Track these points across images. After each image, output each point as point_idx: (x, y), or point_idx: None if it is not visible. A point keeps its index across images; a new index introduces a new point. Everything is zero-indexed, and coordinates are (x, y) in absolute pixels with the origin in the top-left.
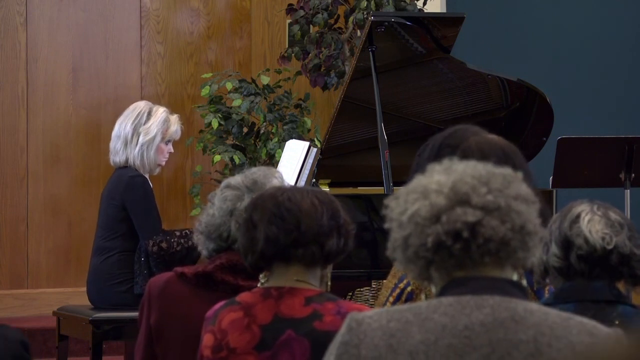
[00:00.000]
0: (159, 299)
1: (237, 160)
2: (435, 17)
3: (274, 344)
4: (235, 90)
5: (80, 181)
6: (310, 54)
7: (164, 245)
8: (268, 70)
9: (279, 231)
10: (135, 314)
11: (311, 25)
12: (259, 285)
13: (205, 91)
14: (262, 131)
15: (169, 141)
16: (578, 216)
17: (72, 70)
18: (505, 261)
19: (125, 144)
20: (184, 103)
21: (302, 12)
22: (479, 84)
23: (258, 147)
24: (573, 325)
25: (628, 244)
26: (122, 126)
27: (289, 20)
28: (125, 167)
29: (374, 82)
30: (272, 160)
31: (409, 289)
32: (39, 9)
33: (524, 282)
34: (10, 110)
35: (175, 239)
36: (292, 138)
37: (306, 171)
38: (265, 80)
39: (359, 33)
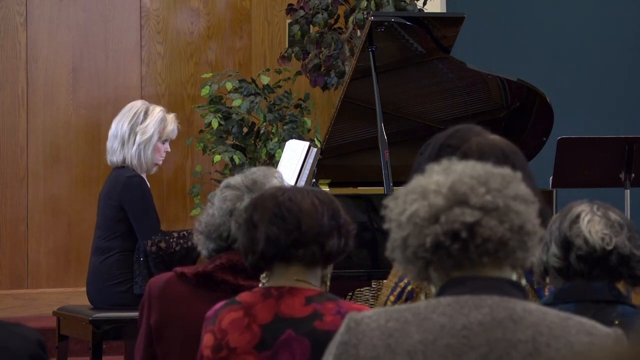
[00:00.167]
0: (159, 299)
1: (237, 160)
2: (435, 17)
3: (274, 343)
4: (235, 90)
5: (80, 181)
6: (310, 54)
7: (162, 245)
8: (268, 70)
9: (280, 231)
10: (135, 314)
11: (311, 25)
12: (260, 285)
13: (205, 91)
14: (262, 131)
15: (165, 140)
16: (578, 216)
17: (72, 70)
18: (504, 261)
19: (123, 144)
20: (184, 103)
21: (302, 12)
22: (479, 84)
23: (258, 147)
24: (572, 325)
25: (628, 244)
26: (119, 126)
27: (289, 20)
28: (123, 167)
29: (374, 82)
30: (272, 160)
31: (409, 288)
32: (39, 9)
33: (523, 282)
34: (10, 110)
35: (174, 239)
36: (292, 138)
37: (306, 171)
38: (265, 80)
39: (359, 33)
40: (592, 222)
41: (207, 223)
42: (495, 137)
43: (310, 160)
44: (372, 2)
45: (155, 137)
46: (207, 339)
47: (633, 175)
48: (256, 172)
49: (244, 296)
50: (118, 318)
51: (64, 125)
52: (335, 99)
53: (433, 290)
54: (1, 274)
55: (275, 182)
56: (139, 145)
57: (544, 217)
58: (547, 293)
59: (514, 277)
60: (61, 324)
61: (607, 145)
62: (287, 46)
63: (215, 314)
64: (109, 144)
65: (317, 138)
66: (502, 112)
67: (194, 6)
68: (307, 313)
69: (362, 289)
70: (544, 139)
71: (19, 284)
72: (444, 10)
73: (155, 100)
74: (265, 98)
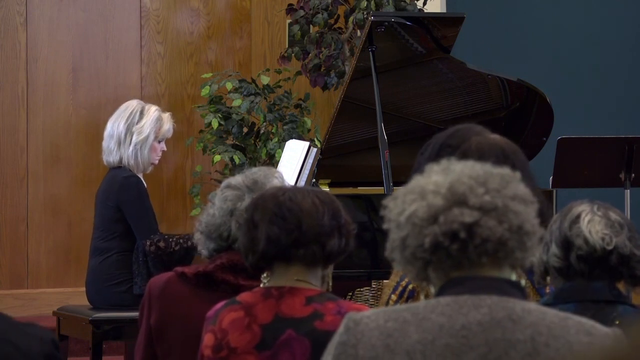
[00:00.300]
0: (159, 299)
1: (237, 160)
2: (435, 17)
3: (275, 343)
4: (235, 90)
5: (80, 181)
6: (310, 54)
7: (161, 244)
8: (268, 70)
9: (281, 231)
10: (135, 314)
11: (311, 25)
12: (261, 285)
13: (205, 91)
14: (262, 131)
15: (162, 140)
16: (578, 216)
17: (72, 70)
18: (503, 261)
19: (119, 144)
20: (184, 103)
21: (302, 12)
22: (479, 84)
23: (258, 147)
24: (571, 324)
25: (628, 244)
26: (115, 126)
27: (289, 20)
28: (119, 167)
29: (374, 82)
30: (272, 160)
31: (410, 287)
32: (39, 9)
33: (523, 282)
34: (10, 110)
35: (174, 240)
36: (292, 138)
37: (306, 171)
38: (265, 80)
39: (359, 33)
40: (592, 222)
41: (207, 223)
42: (495, 137)
43: (310, 160)
44: (372, 2)
45: (152, 137)
46: (208, 339)
47: (633, 175)
48: (257, 172)
49: (244, 296)
50: (118, 318)
51: (64, 125)
52: (335, 99)
53: (432, 290)
54: (1, 274)
55: (275, 182)
56: (135, 145)
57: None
58: (547, 291)
59: (513, 277)
60: (61, 324)
61: (607, 145)
62: (287, 46)
63: (215, 314)
64: (104, 144)
65: (317, 138)
66: (502, 112)
67: (194, 6)
68: (308, 313)
69: (362, 289)
70: (544, 139)
71: (19, 284)
72: (444, 10)
73: (155, 100)
74: (265, 98)
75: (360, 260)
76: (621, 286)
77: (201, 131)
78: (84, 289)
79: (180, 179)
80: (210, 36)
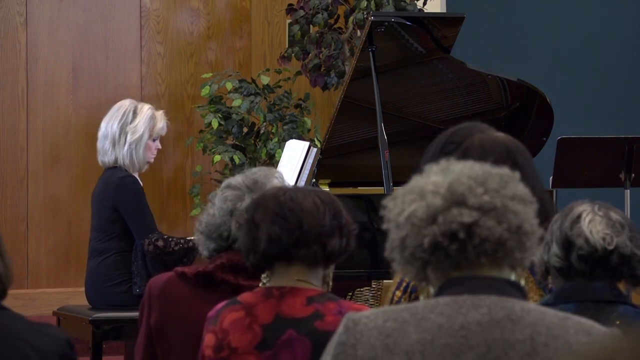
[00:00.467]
0: (160, 299)
1: (237, 160)
2: (435, 17)
3: (275, 343)
4: (235, 90)
5: (80, 181)
6: (310, 54)
7: (159, 244)
8: (268, 70)
9: (282, 231)
10: (135, 314)
11: (311, 25)
12: (261, 285)
13: (205, 91)
14: (262, 131)
15: (156, 138)
16: (579, 216)
17: (72, 70)
18: (502, 261)
19: (114, 144)
20: (184, 103)
21: (302, 12)
22: (479, 84)
23: (258, 147)
24: (570, 324)
25: (629, 244)
26: (109, 126)
27: (289, 20)
28: (114, 167)
29: (374, 82)
30: (272, 160)
31: (412, 283)
32: (39, 9)
33: (522, 282)
34: (10, 110)
35: (174, 240)
36: (292, 138)
37: (306, 171)
38: (265, 80)
39: (359, 33)
40: (593, 222)
41: (207, 223)
42: (499, 134)
43: (310, 160)
44: (372, 2)
45: (146, 136)
46: (209, 339)
47: (633, 175)
48: (257, 172)
49: (245, 296)
50: (118, 318)
51: (64, 125)
52: (335, 99)
53: (431, 290)
54: None
55: (276, 182)
56: (130, 144)
57: (548, 214)
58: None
59: (513, 277)
60: (61, 324)
61: (607, 145)
62: (287, 46)
63: (216, 314)
64: (99, 144)
65: (317, 138)
66: (502, 112)
67: (194, 6)
68: (308, 313)
69: (362, 289)
70: (544, 139)
71: (19, 284)
72: (444, 10)
73: (155, 100)
74: (265, 98)
75: (360, 260)
76: (622, 286)
77: (201, 131)
78: (83, 289)
79: (180, 179)
80: (210, 36)
